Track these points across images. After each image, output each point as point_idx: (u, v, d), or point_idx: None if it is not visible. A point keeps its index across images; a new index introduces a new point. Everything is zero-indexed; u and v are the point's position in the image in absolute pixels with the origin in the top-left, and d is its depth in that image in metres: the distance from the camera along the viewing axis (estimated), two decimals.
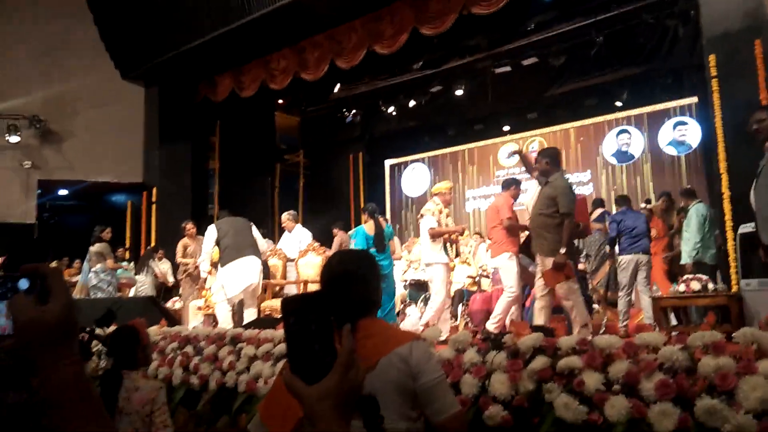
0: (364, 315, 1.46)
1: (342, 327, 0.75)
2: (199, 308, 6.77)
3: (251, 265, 5.73)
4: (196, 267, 7.25)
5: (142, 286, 8.22)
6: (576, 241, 5.58)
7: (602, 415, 2.15)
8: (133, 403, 2.43)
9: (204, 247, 6.09)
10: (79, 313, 0.77)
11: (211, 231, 5.89)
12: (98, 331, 3.98)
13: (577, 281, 4.52)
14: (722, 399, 1.96)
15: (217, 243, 5.82)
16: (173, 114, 9.68)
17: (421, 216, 5.56)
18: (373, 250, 5.68)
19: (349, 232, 6.42)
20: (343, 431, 0.70)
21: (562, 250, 4.26)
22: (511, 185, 5.46)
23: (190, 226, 7.80)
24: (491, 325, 4.95)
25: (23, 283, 0.72)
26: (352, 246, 6.04)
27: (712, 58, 5.53)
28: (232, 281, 5.66)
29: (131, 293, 8.14)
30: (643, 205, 7.01)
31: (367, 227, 5.98)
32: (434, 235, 5.35)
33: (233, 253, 5.70)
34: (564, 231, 4.31)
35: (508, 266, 5.08)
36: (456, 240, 5.56)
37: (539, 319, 4.48)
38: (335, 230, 7.42)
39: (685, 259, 6.23)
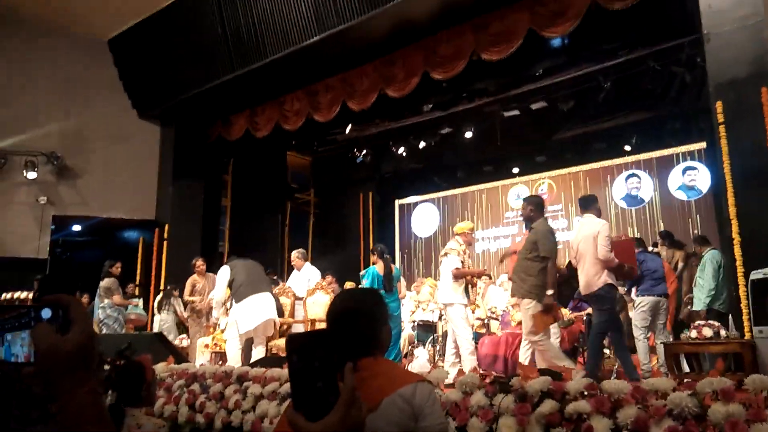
0: (368, 354, 1.45)
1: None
2: (207, 345, 6.75)
3: (267, 301, 5.76)
4: (205, 305, 7.28)
5: (165, 324, 8.21)
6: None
7: None
8: None
9: (217, 286, 6.11)
10: (99, 344, 0.80)
11: (225, 270, 5.94)
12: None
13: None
14: None
15: (230, 283, 5.85)
16: (187, 152, 9.87)
17: (445, 255, 5.53)
18: (382, 290, 5.72)
19: (361, 272, 6.47)
20: None
21: (549, 292, 4.39)
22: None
23: (200, 263, 7.86)
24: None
25: (46, 313, 0.75)
26: (363, 285, 6.08)
27: (719, 105, 5.60)
28: (246, 316, 5.66)
29: (155, 329, 8.12)
30: (651, 248, 6.99)
31: (378, 267, 6.05)
32: (458, 276, 5.34)
33: (248, 290, 5.73)
34: (547, 274, 4.48)
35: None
36: (475, 283, 5.56)
37: (526, 358, 4.69)
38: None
39: (699, 305, 6.18)
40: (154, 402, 3.24)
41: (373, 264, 6.44)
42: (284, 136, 10.06)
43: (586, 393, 2.37)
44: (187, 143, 9.89)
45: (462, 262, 5.37)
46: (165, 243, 9.64)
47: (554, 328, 5.37)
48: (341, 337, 1.49)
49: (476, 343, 6.66)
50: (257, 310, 5.67)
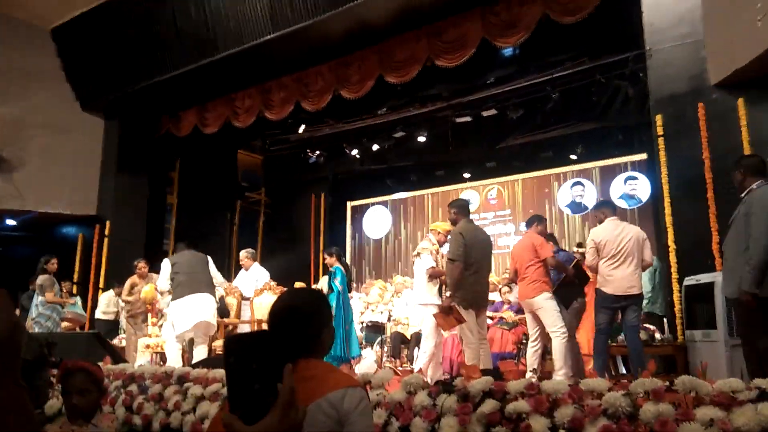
0: (306, 355, 1.43)
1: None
2: (148, 346, 6.53)
3: (204, 303, 5.62)
4: (145, 305, 7.07)
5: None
6: None
7: None
8: None
9: (159, 282, 5.98)
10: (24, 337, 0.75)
11: (166, 265, 5.82)
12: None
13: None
14: None
15: (172, 278, 5.70)
16: (132, 147, 9.56)
17: (417, 255, 5.42)
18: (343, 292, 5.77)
19: (330, 269, 6.36)
20: None
21: (448, 293, 4.49)
22: (534, 222, 5.40)
23: (141, 265, 7.56)
24: (564, 376, 4.61)
25: None
26: (336, 284, 6.02)
27: (658, 118, 5.85)
28: (182, 317, 5.53)
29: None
30: (575, 249, 7.19)
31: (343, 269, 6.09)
32: (433, 276, 5.23)
33: (186, 289, 5.60)
34: (450, 276, 4.66)
35: (549, 306, 4.89)
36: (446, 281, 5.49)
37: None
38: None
39: None
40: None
41: (330, 266, 6.40)
42: (235, 133, 9.88)
43: (525, 393, 2.41)
44: (133, 137, 9.58)
45: (435, 261, 5.31)
46: (106, 240, 9.28)
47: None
48: (281, 338, 1.47)
49: None
50: (192, 311, 5.55)
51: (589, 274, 5.24)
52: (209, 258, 6.06)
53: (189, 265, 5.78)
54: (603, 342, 4.71)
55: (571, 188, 10.65)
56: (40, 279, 7.22)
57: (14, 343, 0.70)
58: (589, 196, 10.45)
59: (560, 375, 4.50)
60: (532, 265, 4.98)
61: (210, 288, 5.86)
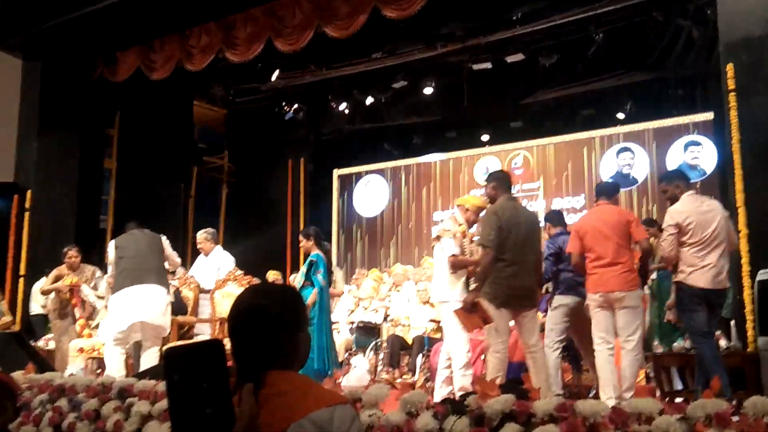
0: (275, 366, 1.43)
1: (246, 383, 0.75)
2: (81, 350, 6.58)
3: (150, 296, 5.66)
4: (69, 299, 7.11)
5: None
6: None
7: None
8: None
9: (110, 267, 6.10)
10: None
11: (110, 249, 5.95)
12: None
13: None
14: None
15: (114, 266, 5.77)
16: (59, 96, 9.44)
17: (437, 239, 5.33)
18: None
19: (311, 257, 6.35)
20: None
21: (472, 286, 4.47)
22: (616, 191, 5.34)
23: (72, 254, 7.47)
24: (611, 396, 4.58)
25: None
26: (318, 278, 6.01)
27: (729, 68, 5.81)
28: (120, 313, 5.58)
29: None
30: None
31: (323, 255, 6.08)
32: (456, 266, 5.11)
33: (129, 280, 5.65)
34: (481, 265, 4.65)
35: (639, 305, 4.89)
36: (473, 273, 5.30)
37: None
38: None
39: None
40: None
41: (306, 252, 6.39)
42: (189, 80, 9.79)
43: (556, 415, 2.43)
44: (59, 84, 9.45)
45: (461, 248, 5.21)
46: (27, 215, 9.25)
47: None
48: (244, 346, 1.47)
49: (429, 351, 6.78)
50: (134, 307, 5.59)
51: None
52: (163, 237, 6.10)
53: (137, 248, 5.85)
54: (714, 347, 4.76)
55: (618, 155, 10.62)
56: None
57: None
58: (640, 165, 10.44)
59: (607, 394, 4.51)
60: (627, 248, 4.85)
61: (161, 278, 5.89)
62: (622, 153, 10.60)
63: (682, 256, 4.69)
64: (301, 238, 6.48)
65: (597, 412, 2.37)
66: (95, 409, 3.80)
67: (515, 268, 4.75)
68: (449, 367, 5.20)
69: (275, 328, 1.47)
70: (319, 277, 6.01)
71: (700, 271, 4.62)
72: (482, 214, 5.19)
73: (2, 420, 2.36)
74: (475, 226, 5.32)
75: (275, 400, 1.35)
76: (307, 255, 6.40)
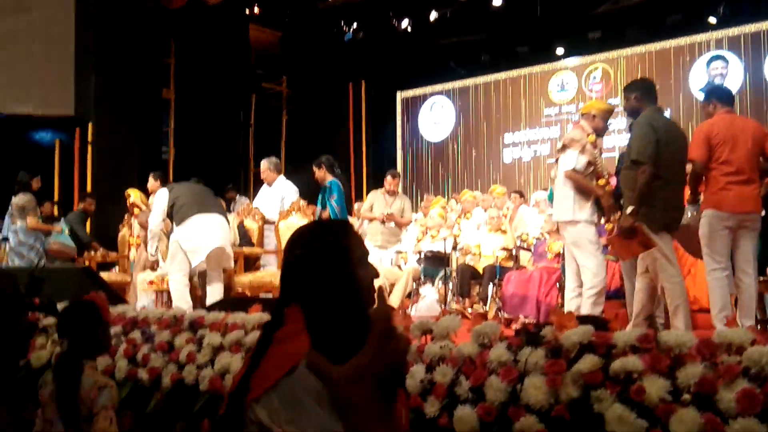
0: (299, 301, 1.43)
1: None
2: (151, 282, 6.85)
3: (218, 224, 5.82)
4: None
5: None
6: None
7: None
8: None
9: (153, 213, 6.11)
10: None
11: (162, 193, 5.99)
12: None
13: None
14: None
15: (170, 209, 5.89)
16: (114, 27, 9.58)
17: (563, 149, 4.98)
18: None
19: (325, 185, 6.42)
20: (383, 428, 0.69)
21: (629, 210, 4.20)
22: (733, 100, 4.91)
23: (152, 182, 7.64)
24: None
25: None
26: (332, 203, 6.06)
27: None
28: (193, 241, 5.72)
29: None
30: None
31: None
32: (579, 185, 4.83)
33: (193, 210, 5.78)
34: (637, 185, 4.24)
35: None
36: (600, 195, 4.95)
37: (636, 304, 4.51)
38: None
39: None
40: (108, 350, 3.35)
41: (321, 181, 6.43)
42: (244, 1, 9.77)
43: (638, 346, 2.42)
44: (114, 13, 9.58)
45: (593, 159, 4.91)
46: (90, 148, 9.59)
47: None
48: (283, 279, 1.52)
49: (501, 280, 6.81)
50: (207, 234, 5.72)
51: None
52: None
53: (191, 190, 6.03)
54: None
55: (708, 65, 10.22)
56: (21, 199, 7.49)
57: None
58: (734, 75, 10.00)
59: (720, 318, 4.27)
60: (758, 164, 4.55)
61: (221, 210, 6.06)
62: (713, 62, 10.20)
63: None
64: (314, 168, 6.52)
65: (683, 343, 2.34)
66: (168, 341, 3.96)
67: (670, 190, 4.41)
68: (579, 295, 4.93)
69: (299, 265, 1.48)
70: (333, 202, 6.06)
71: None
72: (630, 124, 4.82)
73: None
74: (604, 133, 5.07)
75: (293, 336, 1.40)
76: (321, 184, 6.46)
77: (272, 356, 1.38)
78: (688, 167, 4.61)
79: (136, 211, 7.42)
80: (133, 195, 7.47)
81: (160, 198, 6.00)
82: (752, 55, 9.88)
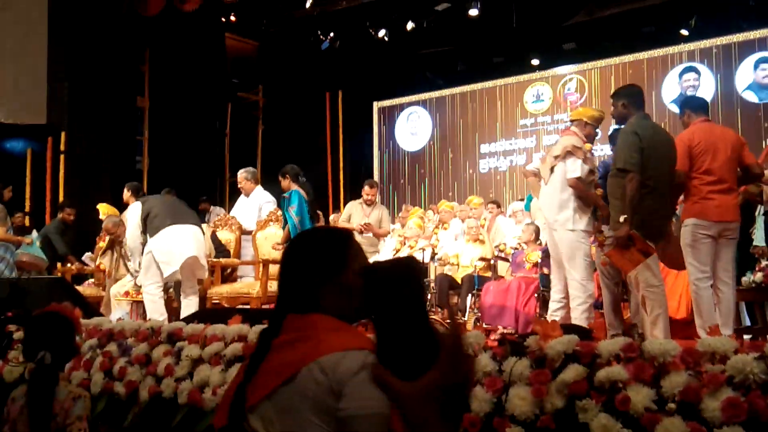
0: (306, 309, 1.47)
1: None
2: (126, 293, 6.77)
3: (191, 234, 5.78)
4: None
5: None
6: None
7: None
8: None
9: (129, 227, 6.13)
10: None
11: (135, 207, 6.01)
12: None
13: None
14: None
15: (144, 221, 5.87)
16: (89, 33, 9.50)
17: (561, 156, 4.84)
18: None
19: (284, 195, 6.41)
20: None
21: (621, 219, 4.12)
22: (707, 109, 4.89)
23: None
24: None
25: None
26: (291, 214, 6.03)
27: None
28: (165, 252, 5.68)
29: None
30: None
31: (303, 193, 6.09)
32: (582, 194, 4.77)
33: (166, 221, 5.76)
34: (626, 194, 4.18)
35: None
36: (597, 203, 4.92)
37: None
38: None
39: (759, 240, 6.29)
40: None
41: (285, 190, 6.41)
42: (221, 10, 9.73)
43: (623, 356, 2.43)
44: (89, 19, 9.50)
45: (591, 171, 4.87)
46: (62, 157, 9.45)
47: None
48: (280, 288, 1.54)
49: (480, 290, 6.82)
50: (180, 244, 5.69)
51: None
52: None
53: (165, 204, 6.05)
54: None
55: (681, 76, 10.35)
56: None
57: None
58: (706, 86, 10.13)
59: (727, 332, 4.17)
60: (736, 172, 4.56)
61: (196, 221, 6.05)
62: (686, 73, 10.33)
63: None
64: (279, 177, 6.49)
65: (667, 351, 2.36)
66: (146, 354, 3.91)
67: (657, 197, 4.32)
68: (564, 307, 4.87)
69: (297, 273, 1.53)
70: (292, 212, 6.04)
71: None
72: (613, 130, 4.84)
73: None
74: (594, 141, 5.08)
75: (292, 344, 1.41)
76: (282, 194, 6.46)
77: (270, 364, 1.37)
78: None
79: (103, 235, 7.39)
80: (101, 211, 7.45)
81: (133, 212, 6.02)
82: (723, 66, 10.02)
